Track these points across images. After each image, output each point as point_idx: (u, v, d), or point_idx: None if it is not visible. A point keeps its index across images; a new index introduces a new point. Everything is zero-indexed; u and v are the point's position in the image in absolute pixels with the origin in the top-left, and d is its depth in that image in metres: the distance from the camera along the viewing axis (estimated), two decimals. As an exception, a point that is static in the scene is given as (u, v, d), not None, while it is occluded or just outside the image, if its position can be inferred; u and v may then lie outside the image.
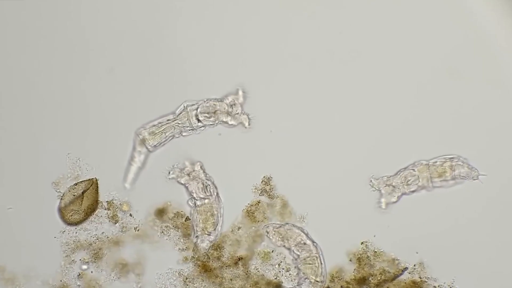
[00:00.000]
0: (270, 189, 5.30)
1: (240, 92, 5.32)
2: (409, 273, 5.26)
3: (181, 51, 5.37)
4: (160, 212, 5.31)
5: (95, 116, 5.37)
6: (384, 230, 5.28)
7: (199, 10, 5.39)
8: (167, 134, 5.32)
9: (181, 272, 5.29)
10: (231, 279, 5.30)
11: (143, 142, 5.31)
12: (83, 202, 5.27)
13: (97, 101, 5.37)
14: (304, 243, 5.26)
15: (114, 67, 5.37)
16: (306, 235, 5.27)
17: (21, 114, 5.38)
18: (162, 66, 5.39)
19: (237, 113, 5.30)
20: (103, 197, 5.33)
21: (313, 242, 5.27)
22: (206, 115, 5.30)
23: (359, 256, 5.26)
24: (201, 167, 5.27)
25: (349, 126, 5.37)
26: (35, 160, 5.34)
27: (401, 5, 5.36)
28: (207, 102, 5.30)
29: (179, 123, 5.31)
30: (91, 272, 5.31)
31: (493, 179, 5.25)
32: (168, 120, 5.33)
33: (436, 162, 5.24)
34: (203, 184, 5.25)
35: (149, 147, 5.32)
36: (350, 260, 5.27)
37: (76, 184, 5.29)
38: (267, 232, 5.27)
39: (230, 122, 5.32)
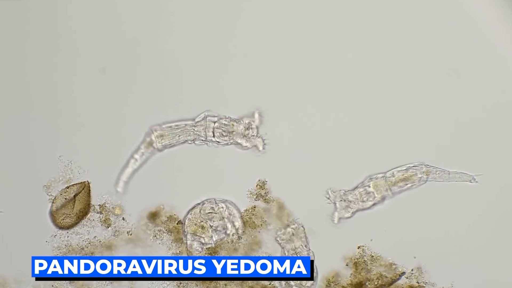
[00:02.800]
0: (265, 193, 5.24)
1: (256, 115, 5.27)
2: (407, 278, 5.21)
3: (173, 52, 5.34)
4: (153, 216, 5.26)
5: (87, 118, 5.31)
6: (381, 234, 5.23)
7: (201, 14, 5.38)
8: (180, 137, 5.27)
9: (174, 277, 5.25)
10: (225, 284, 5.24)
11: (150, 144, 5.26)
12: (75, 206, 5.22)
13: (88, 103, 5.32)
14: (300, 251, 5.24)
15: (106, 68, 5.32)
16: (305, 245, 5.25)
17: (11, 116, 5.33)
18: (156, 67, 5.34)
19: (253, 136, 5.25)
20: (95, 200, 5.27)
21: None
22: (222, 132, 5.24)
23: (355, 260, 5.22)
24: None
25: (346, 128, 5.32)
26: (26, 163, 5.29)
27: (401, 5, 5.31)
28: (227, 120, 5.25)
29: (195, 130, 5.25)
30: (83, 276, 5.27)
31: (493, 183, 5.21)
32: (186, 124, 5.27)
33: (393, 174, 5.20)
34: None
35: (159, 145, 5.26)
36: (347, 265, 5.23)
37: (67, 187, 5.24)
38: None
39: (244, 144, 5.27)
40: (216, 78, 5.33)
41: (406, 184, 5.20)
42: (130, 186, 5.28)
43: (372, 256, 5.21)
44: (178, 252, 5.25)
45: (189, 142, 5.28)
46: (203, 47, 5.34)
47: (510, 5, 5.22)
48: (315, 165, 5.29)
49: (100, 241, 5.26)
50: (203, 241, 5.25)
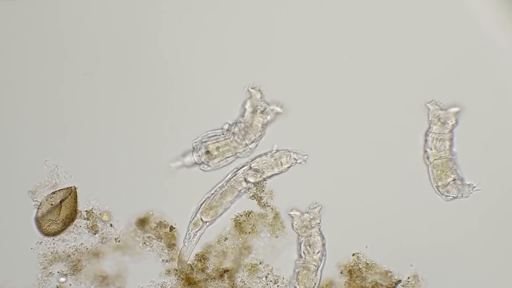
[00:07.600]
0: (260, 192, 5.18)
1: (251, 90, 5.17)
2: (403, 286, 5.16)
3: (163, 52, 5.26)
4: (142, 222, 5.18)
5: (73, 122, 5.23)
6: (376, 241, 5.17)
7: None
8: (227, 155, 5.19)
9: (163, 285, 5.17)
10: (210, 289, 5.21)
11: (208, 154, 5.18)
12: (61, 212, 5.15)
13: (75, 106, 5.23)
14: (314, 243, 5.15)
15: (93, 71, 5.23)
16: (323, 245, 5.17)
17: (-5, 120, 5.27)
18: (142, 68, 5.25)
19: (265, 109, 5.16)
20: (82, 206, 5.19)
21: (323, 254, 5.18)
22: (247, 131, 5.16)
23: (350, 268, 5.16)
24: None
25: (343, 129, 5.26)
26: (10, 167, 5.20)
27: (401, 7, 5.26)
28: (240, 122, 5.17)
29: (234, 145, 5.20)
30: (70, 285, 5.19)
31: (491, 189, 5.15)
32: (226, 139, 5.19)
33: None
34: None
35: (209, 162, 5.19)
36: (341, 273, 5.17)
37: (53, 193, 5.17)
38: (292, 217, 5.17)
39: (266, 120, 5.17)
40: (214, 78, 5.26)
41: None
42: (119, 191, 5.20)
43: (367, 264, 5.15)
44: (168, 259, 5.17)
45: (232, 158, 5.22)
46: (197, 48, 5.27)
47: (510, 5, 5.16)
48: (313, 167, 5.23)
49: (87, 248, 5.19)
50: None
